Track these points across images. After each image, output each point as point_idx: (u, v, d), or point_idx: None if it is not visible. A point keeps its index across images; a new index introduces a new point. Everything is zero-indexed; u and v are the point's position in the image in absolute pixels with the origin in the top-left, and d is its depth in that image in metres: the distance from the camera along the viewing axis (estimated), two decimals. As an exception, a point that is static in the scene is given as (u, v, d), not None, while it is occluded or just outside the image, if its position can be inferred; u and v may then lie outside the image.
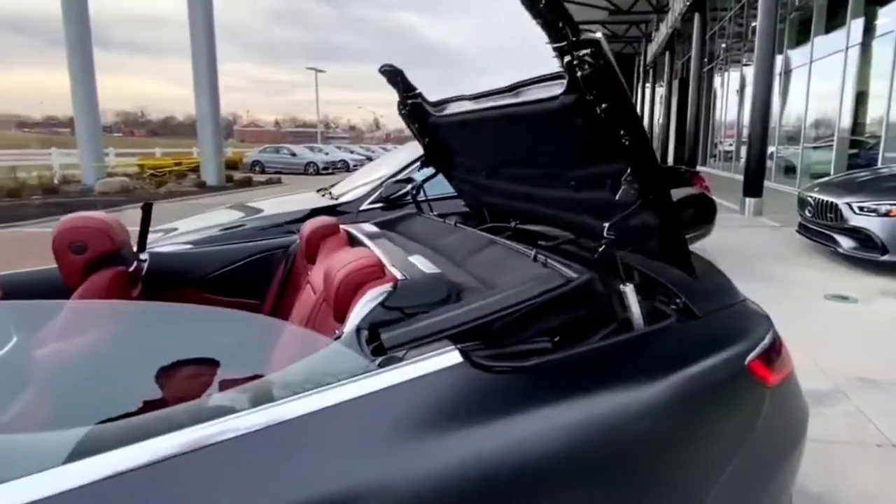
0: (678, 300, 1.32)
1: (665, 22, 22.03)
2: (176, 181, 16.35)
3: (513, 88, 1.47)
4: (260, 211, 3.98)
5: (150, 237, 1.92)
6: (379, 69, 2.03)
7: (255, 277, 2.09)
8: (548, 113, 1.33)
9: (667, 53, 24.36)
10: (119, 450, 0.77)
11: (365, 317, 1.09)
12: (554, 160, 1.57)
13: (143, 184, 15.57)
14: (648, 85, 32.65)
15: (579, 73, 1.12)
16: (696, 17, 17.80)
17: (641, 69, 32.65)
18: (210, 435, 0.81)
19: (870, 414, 2.60)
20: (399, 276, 1.24)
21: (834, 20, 11.14)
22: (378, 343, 1.02)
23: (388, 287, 1.16)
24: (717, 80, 20.03)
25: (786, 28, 13.19)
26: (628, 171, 1.22)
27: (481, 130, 1.80)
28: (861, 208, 5.29)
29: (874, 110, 10.02)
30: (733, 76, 17.89)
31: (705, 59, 19.27)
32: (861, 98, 10.31)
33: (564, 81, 1.21)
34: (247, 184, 17.40)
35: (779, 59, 12.68)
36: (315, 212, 3.55)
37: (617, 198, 1.23)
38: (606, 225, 1.26)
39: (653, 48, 26.72)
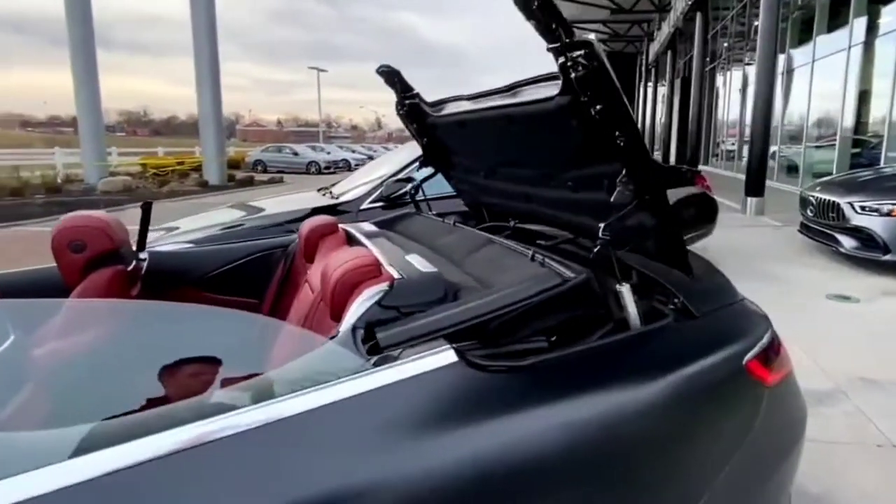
0: (676, 300, 1.32)
1: (667, 21, 21.98)
2: (178, 180, 16.37)
3: (510, 88, 1.47)
4: (261, 210, 3.98)
5: (152, 236, 1.92)
6: (376, 70, 2.03)
7: (255, 276, 2.09)
8: (544, 114, 1.33)
9: (669, 52, 24.31)
10: (121, 445, 0.77)
11: (361, 316, 1.09)
12: (551, 160, 1.57)
13: (145, 183, 15.59)
14: (650, 84, 32.58)
15: (573, 75, 1.12)
16: (698, 16, 17.77)
17: (643, 68, 32.60)
18: (210, 431, 0.82)
19: (870, 414, 2.60)
20: (396, 275, 1.24)
21: (836, 19, 11.10)
22: (374, 342, 1.03)
23: (384, 286, 1.15)
24: (719, 80, 19.97)
25: (788, 27, 13.15)
26: (623, 171, 1.22)
27: (479, 130, 1.79)
28: (863, 208, 5.27)
29: (877, 109, 9.99)
30: (735, 75, 17.85)
31: (707, 59, 19.22)
32: (864, 97, 10.27)
33: (560, 82, 1.21)
34: (249, 183, 17.41)
35: (781, 58, 12.64)
36: (315, 211, 3.55)
37: (612, 198, 1.23)
38: (602, 225, 1.26)
39: (655, 47, 26.68)
